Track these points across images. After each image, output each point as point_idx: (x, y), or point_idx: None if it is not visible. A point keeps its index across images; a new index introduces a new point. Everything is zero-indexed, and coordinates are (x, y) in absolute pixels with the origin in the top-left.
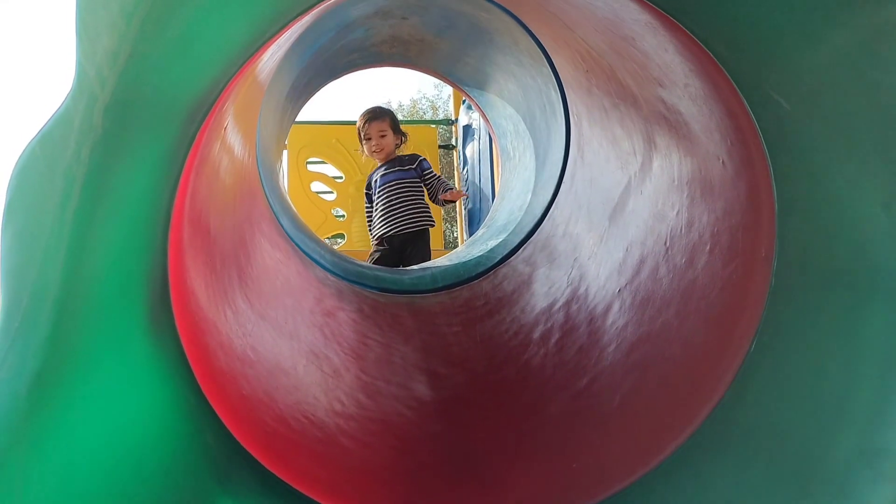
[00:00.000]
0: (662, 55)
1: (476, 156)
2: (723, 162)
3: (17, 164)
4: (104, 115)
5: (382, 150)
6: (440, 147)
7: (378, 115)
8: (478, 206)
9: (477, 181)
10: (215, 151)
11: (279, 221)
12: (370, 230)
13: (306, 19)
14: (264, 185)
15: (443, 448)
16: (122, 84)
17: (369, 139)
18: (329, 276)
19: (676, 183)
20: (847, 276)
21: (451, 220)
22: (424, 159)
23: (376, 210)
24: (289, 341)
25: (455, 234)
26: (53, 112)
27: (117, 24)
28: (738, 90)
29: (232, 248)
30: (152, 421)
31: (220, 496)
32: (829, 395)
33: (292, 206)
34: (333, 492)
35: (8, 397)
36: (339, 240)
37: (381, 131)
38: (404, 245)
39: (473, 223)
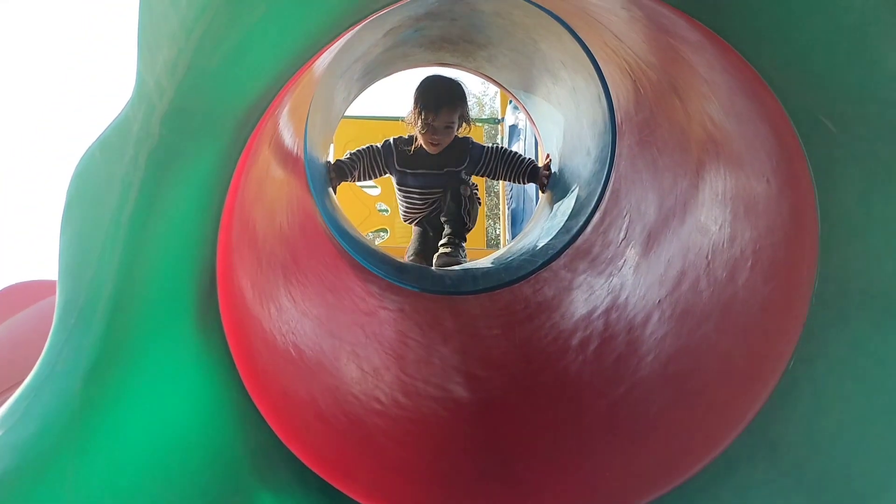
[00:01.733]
0: (709, 72)
1: None
2: (767, 180)
3: (77, 167)
4: (161, 124)
5: (440, 145)
6: None
7: (451, 102)
8: (521, 206)
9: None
10: (265, 152)
11: (324, 220)
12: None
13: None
14: (310, 183)
15: (478, 450)
16: (179, 94)
17: (432, 129)
18: (371, 274)
19: (720, 198)
20: (887, 299)
21: (493, 216)
22: (474, 144)
23: (406, 201)
24: (330, 339)
25: (497, 232)
26: (113, 119)
27: (177, 37)
28: (784, 110)
29: (278, 246)
30: (197, 416)
31: (259, 491)
32: (863, 415)
33: (337, 202)
34: (369, 490)
35: (63, 391)
36: (382, 234)
37: (449, 123)
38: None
39: (516, 223)
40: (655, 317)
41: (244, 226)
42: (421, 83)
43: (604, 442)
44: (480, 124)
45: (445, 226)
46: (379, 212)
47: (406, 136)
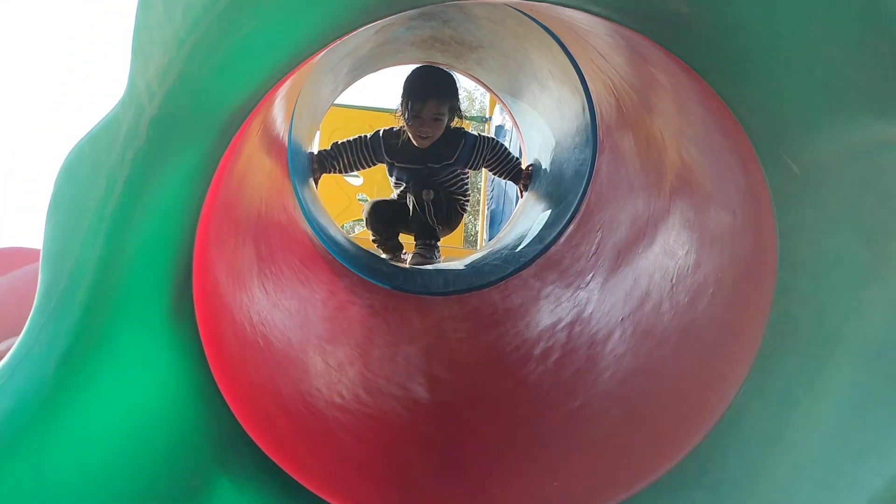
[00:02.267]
0: (685, 102)
1: None
2: (734, 212)
3: (65, 160)
4: (149, 126)
5: (432, 137)
6: None
7: (439, 93)
8: (501, 207)
9: (503, 183)
10: (249, 147)
11: (301, 211)
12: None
13: None
14: (291, 173)
15: (434, 450)
16: (168, 99)
17: (419, 120)
18: (344, 268)
19: (689, 224)
20: (834, 340)
21: (474, 212)
22: (469, 134)
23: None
24: (298, 331)
25: (476, 229)
26: (102, 117)
27: (169, 47)
28: (753, 147)
29: (255, 237)
30: (165, 401)
31: (218, 475)
32: (798, 455)
33: (316, 192)
34: (325, 482)
35: (38, 372)
36: (360, 224)
37: (438, 114)
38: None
39: (495, 224)
40: (617, 334)
41: (225, 217)
42: (410, 73)
43: (555, 452)
44: (468, 121)
45: (414, 225)
46: (359, 201)
47: (395, 129)
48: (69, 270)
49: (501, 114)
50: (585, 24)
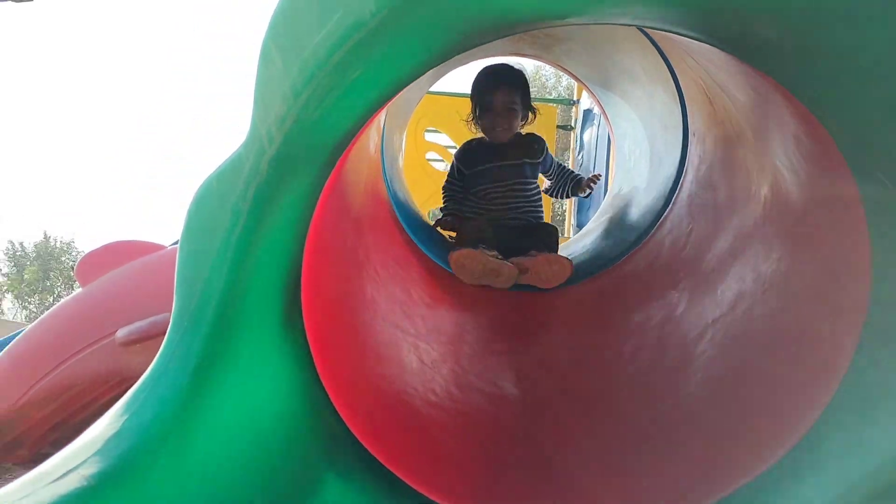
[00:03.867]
0: (775, 109)
1: (593, 141)
2: (828, 221)
3: (196, 194)
4: (269, 165)
5: (509, 128)
6: (558, 127)
7: (509, 80)
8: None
9: (591, 168)
10: (348, 166)
11: (397, 214)
12: (448, 210)
13: None
14: (386, 178)
15: (525, 446)
16: (285, 142)
17: (492, 112)
18: (436, 265)
19: (783, 230)
20: None
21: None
22: (545, 145)
23: (476, 206)
24: (394, 330)
25: (563, 208)
26: (228, 156)
27: (287, 97)
28: (845, 159)
29: (354, 243)
30: (278, 403)
31: (327, 472)
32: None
33: (410, 196)
34: (421, 476)
35: (175, 385)
36: None
37: (511, 104)
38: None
39: (583, 210)
40: (708, 335)
41: (330, 230)
42: (477, 73)
43: (647, 452)
44: (554, 105)
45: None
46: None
47: (468, 142)
48: (199, 292)
49: (590, 97)
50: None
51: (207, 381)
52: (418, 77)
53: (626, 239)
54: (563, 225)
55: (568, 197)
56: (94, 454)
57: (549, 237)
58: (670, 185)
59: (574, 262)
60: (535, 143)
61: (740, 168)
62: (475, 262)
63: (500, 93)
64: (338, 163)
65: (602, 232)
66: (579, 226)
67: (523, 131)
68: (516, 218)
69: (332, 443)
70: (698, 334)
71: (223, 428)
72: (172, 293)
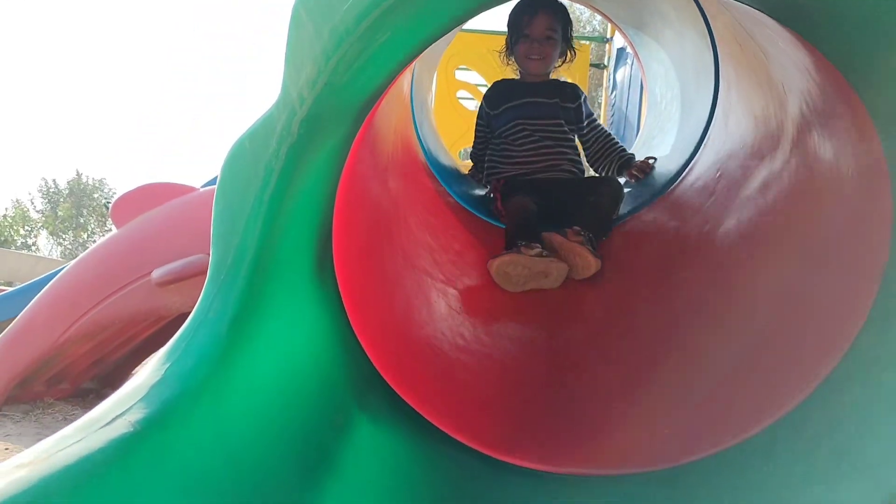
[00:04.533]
0: (801, 62)
1: (626, 81)
2: (852, 172)
3: (229, 153)
4: (300, 126)
5: (545, 59)
6: (591, 65)
7: (552, 7)
8: (621, 133)
9: (624, 108)
10: (378, 114)
11: (428, 162)
12: (479, 171)
13: None
14: (416, 123)
15: (551, 390)
16: (316, 103)
17: (529, 39)
18: (464, 211)
19: (806, 178)
20: None
21: None
22: (584, 96)
23: (502, 151)
24: (424, 276)
25: None
26: (260, 116)
27: (318, 61)
28: (869, 115)
29: (385, 193)
30: (312, 349)
31: (357, 413)
32: None
33: (441, 140)
34: (449, 417)
35: (214, 333)
36: None
37: (550, 31)
38: (558, 193)
39: None
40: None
41: (359, 182)
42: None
43: (670, 397)
44: (587, 42)
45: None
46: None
47: (499, 81)
48: (235, 247)
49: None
50: None
51: (245, 331)
52: (447, 33)
53: (651, 185)
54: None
55: (607, 173)
56: (140, 401)
57: (599, 209)
58: (701, 128)
59: None
60: (570, 87)
61: (771, 112)
62: (519, 267)
63: (540, 18)
64: (369, 119)
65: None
66: None
67: (559, 76)
68: (553, 168)
69: (363, 387)
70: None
71: (260, 374)
72: (205, 235)
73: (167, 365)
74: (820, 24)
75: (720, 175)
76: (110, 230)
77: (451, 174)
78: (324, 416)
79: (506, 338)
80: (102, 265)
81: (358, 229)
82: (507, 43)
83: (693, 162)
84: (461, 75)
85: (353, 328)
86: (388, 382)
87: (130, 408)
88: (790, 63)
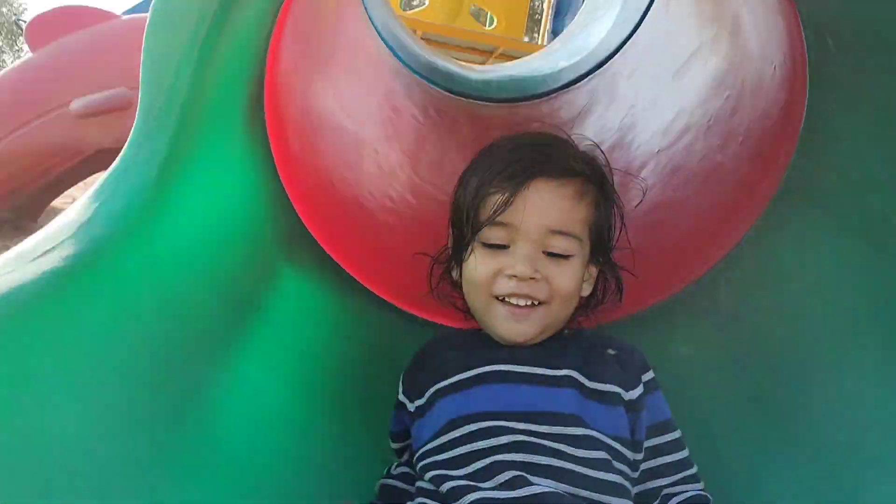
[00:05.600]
0: None
1: None
2: (775, 68)
3: None
4: None
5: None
6: None
7: (562, 164)
8: None
9: None
10: None
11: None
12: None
13: None
14: None
15: None
16: None
17: (504, 248)
18: (402, 68)
19: (735, 68)
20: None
21: None
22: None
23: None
24: (356, 135)
25: (541, 9)
26: None
27: None
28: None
29: (324, 38)
30: (241, 200)
31: (284, 265)
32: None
33: None
34: (372, 274)
35: (143, 174)
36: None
37: (564, 229)
38: None
39: (560, 15)
40: (651, 165)
41: (299, 22)
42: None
43: None
44: None
45: None
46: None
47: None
48: (165, 90)
49: None
50: None
51: (175, 175)
52: None
53: (590, 59)
54: (540, 28)
55: None
56: (70, 237)
57: None
58: (645, 4)
59: (537, 77)
60: (622, 349)
61: (702, 13)
62: None
63: (539, 194)
64: None
65: (570, 47)
66: (554, 32)
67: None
68: None
69: (291, 240)
70: (642, 163)
71: (189, 219)
72: (127, 68)
73: (96, 204)
74: None
75: (653, 53)
76: (21, 49)
77: (389, 27)
78: (251, 263)
79: (433, 201)
80: (18, 92)
81: (291, 78)
82: (451, 235)
83: (630, 40)
84: None
85: (283, 182)
86: (315, 238)
87: (61, 243)
88: None
